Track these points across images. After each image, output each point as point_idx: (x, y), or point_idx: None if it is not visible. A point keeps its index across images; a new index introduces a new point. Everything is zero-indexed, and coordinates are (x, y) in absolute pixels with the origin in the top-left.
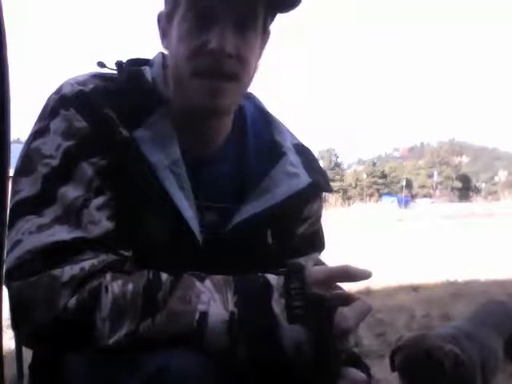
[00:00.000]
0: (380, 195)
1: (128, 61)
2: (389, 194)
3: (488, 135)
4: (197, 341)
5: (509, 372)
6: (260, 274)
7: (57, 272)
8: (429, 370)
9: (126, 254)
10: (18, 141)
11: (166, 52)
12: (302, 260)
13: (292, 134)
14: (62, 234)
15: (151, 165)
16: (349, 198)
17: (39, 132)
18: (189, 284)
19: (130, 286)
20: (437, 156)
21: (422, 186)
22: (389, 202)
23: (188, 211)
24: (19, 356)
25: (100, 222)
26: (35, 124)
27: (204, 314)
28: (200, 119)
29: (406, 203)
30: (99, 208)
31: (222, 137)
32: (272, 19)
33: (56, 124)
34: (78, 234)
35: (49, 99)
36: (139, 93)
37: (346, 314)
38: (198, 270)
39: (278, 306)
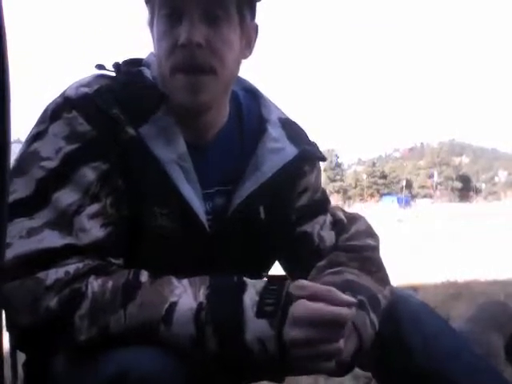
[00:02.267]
0: (380, 195)
1: (124, 62)
2: (389, 194)
3: (488, 135)
4: (164, 329)
5: (509, 373)
6: (238, 276)
7: (41, 275)
8: None
9: (116, 261)
10: (18, 141)
11: None
12: (307, 227)
13: (279, 109)
14: (53, 240)
15: (158, 160)
16: (349, 198)
17: (39, 134)
18: (166, 281)
19: (110, 284)
20: (437, 156)
21: (422, 187)
22: (389, 202)
23: (196, 203)
24: (14, 356)
25: (90, 231)
26: (35, 126)
27: (173, 304)
28: (189, 116)
29: (406, 203)
30: (92, 216)
31: (218, 125)
32: (251, 9)
33: (57, 127)
34: (68, 240)
35: (52, 102)
36: (142, 91)
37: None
38: (207, 257)
39: (250, 300)
